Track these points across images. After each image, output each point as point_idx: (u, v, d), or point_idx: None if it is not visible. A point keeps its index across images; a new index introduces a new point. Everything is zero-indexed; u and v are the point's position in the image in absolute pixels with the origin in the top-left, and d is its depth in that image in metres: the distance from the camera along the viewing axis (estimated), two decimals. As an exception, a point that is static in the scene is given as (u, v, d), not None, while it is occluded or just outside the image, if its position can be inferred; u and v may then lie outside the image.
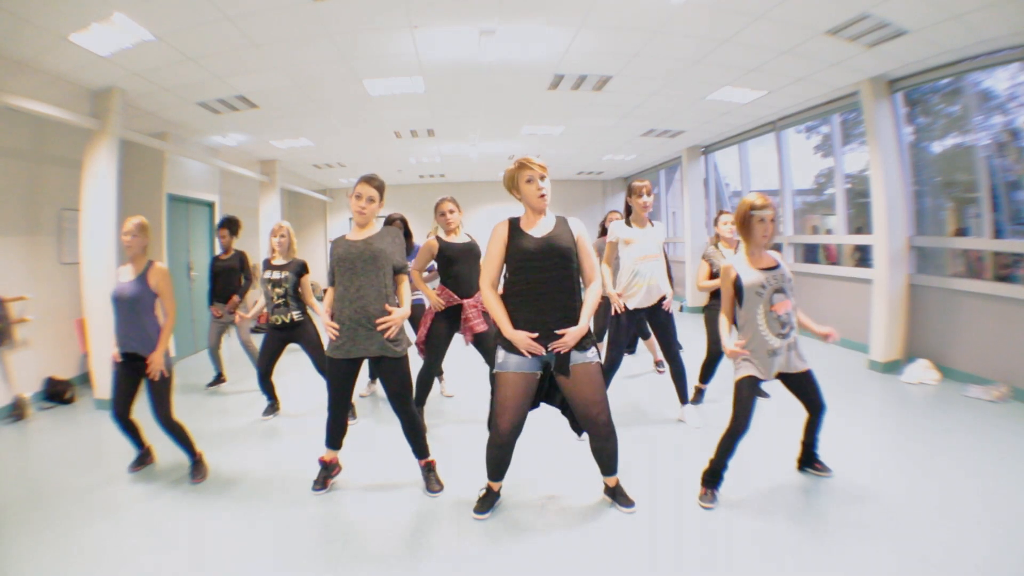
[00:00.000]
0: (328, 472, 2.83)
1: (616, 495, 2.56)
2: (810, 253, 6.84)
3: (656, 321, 3.46)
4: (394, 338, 2.59)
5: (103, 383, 4.31)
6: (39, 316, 4.47)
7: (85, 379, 4.73)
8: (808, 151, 6.92)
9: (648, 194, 3.38)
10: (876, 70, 4.58)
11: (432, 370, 3.50)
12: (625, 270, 3.43)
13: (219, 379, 4.92)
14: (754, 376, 2.47)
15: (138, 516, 2.57)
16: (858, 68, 4.51)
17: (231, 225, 4.83)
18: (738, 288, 2.50)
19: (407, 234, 4.21)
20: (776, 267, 2.50)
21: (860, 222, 5.83)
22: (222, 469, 3.07)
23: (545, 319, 2.26)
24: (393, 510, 2.59)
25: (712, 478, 2.55)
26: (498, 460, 2.44)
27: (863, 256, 5.76)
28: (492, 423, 2.38)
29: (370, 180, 2.61)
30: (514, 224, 2.35)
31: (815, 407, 2.60)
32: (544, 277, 2.27)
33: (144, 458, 3.10)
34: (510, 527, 2.40)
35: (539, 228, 2.33)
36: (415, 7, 3.45)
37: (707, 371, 3.81)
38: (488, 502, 2.52)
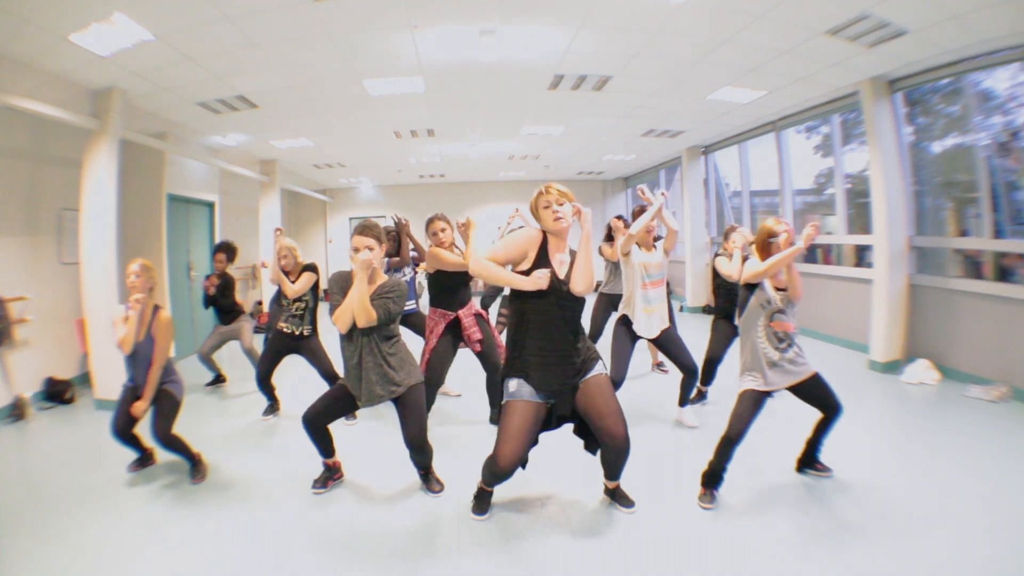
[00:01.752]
0: (331, 474, 2.84)
1: (616, 496, 2.56)
2: (809, 253, 6.84)
3: (661, 345, 3.44)
4: (399, 373, 2.54)
5: (103, 383, 4.31)
6: (39, 316, 4.47)
7: (85, 379, 4.72)
8: (808, 151, 6.91)
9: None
10: (876, 70, 4.58)
11: (433, 390, 3.38)
12: (635, 295, 3.39)
13: (219, 379, 4.92)
14: (757, 390, 2.49)
15: (138, 516, 2.57)
16: (858, 68, 4.51)
17: (228, 252, 4.74)
18: (749, 289, 2.54)
19: (397, 252, 4.32)
20: (784, 290, 2.54)
21: (860, 223, 5.83)
22: (222, 469, 3.07)
23: (556, 357, 2.24)
24: (393, 510, 2.60)
25: (711, 479, 2.56)
26: (494, 481, 2.42)
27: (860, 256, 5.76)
28: (493, 451, 2.29)
29: (363, 231, 2.47)
30: (545, 244, 2.26)
31: (830, 409, 2.60)
32: (559, 314, 2.22)
33: (145, 460, 3.10)
34: (510, 527, 2.40)
35: (562, 263, 2.26)
36: (415, 7, 3.45)
37: (706, 375, 3.81)
38: (485, 501, 2.52)
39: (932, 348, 4.72)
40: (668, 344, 3.41)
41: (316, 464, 2.84)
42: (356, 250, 2.46)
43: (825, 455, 2.80)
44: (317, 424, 2.64)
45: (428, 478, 2.77)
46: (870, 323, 5.01)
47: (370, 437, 3.56)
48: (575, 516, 2.48)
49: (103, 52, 3.69)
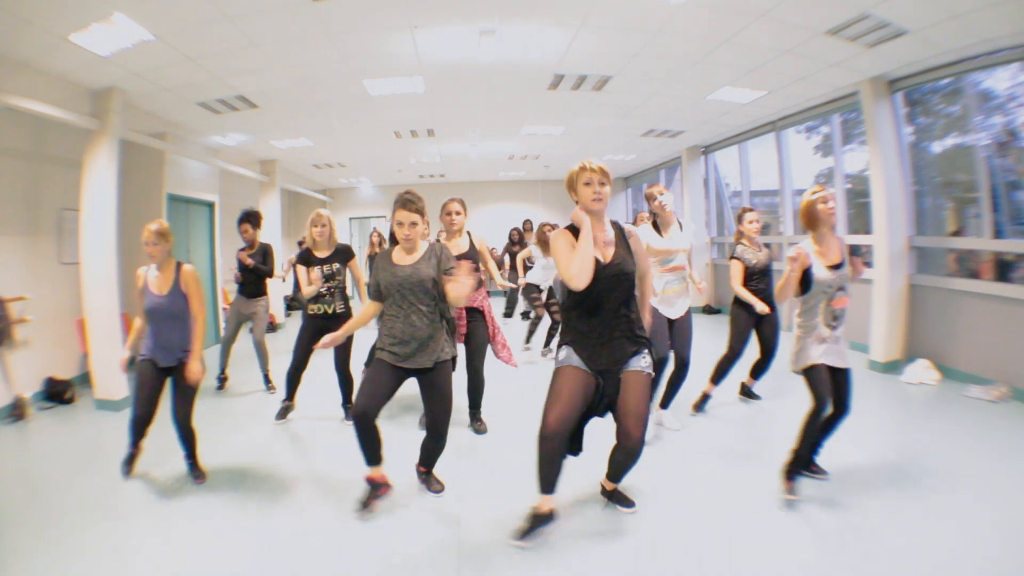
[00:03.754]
0: (375, 490, 2.55)
1: (615, 496, 2.55)
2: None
3: (672, 329, 3.43)
4: (443, 346, 2.51)
5: (103, 383, 4.31)
6: (39, 316, 4.46)
7: (85, 379, 4.72)
8: (808, 151, 6.92)
9: (661, 194, 3.36)
10: (876, 70, 4.58)
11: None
12: (654, 279, 3.37)
13: (221, 377, 4.89)
14: (816, 363, 2.53)
15: (138, 516, 2.57)
16: (858, 68, 4.51)
17: (252, 219, 4.70)
18: (807, 278, 2.55)
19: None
20: (841, 265, 2.57)
21: (859, 222, 5.83)
22: (222, 470, 3.06)
23: (605, 338, 2.20)
24: (393, 510, 2.59)
25: (798, 465, 2.57)
26: (547, 460, 2.19)
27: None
28: (542, 418, 2.19)
29: (406, 204, 2.40)
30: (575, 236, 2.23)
31: (840, 408, 2.61)
32: (610, 298, 2.20)
33: (134, 458, 3.02)
34: (510, 528, 2.40)
35: (607, 244, 2.22)
36: (415, 7, 3.45)
37: (721, 373, 3.81)
38: (535, 525, 2.26)
39: (932, 348, 4.73)
40: (677, 331, 3.39)
41: (316, 464, 2.83)
42: (400, 224, 2.42)
43: (825, 454, 2.79)
44: (370, 415, 2.39)
45: (429, 478, 2.76)
46: (870, 323, 5.01)
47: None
48: (576, 516, 2.48)
49: (103, 52, 3.69)
